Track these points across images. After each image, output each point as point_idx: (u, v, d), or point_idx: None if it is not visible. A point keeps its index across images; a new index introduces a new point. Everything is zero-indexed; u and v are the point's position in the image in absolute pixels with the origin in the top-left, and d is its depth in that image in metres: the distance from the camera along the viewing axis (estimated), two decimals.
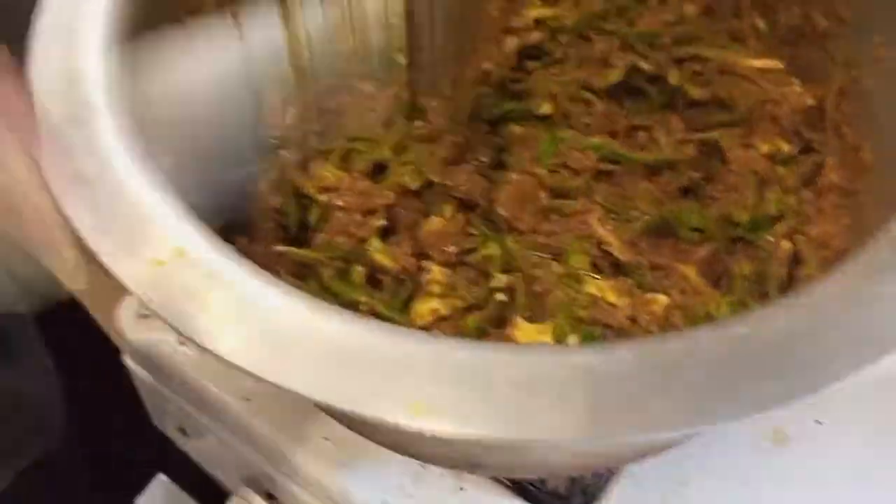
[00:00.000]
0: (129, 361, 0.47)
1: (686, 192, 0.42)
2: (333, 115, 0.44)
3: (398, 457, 0.38)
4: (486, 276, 0.38)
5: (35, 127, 0.25)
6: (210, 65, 0.38)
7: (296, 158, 0.40)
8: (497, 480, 0.38)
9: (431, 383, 0.21)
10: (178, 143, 0.34)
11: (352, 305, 0.35)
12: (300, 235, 0.39)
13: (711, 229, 0.39)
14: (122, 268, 0.24)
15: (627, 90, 0.45)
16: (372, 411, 0.21)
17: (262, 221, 0.38)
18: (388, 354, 0.22)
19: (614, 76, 0.44)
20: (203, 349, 0.22)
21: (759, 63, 0.42)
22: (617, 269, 0.38)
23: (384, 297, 0.37)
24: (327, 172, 0.40)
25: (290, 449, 0.41)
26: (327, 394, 0.22)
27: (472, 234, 0.39)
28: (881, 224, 0.25)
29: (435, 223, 0.39)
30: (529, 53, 0.46)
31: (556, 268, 0.37)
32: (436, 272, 0.37)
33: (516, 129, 0.44)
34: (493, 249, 0.38)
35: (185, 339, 0.22)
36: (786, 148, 0.40)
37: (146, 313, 0.45)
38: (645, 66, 0.44)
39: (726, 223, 0.40)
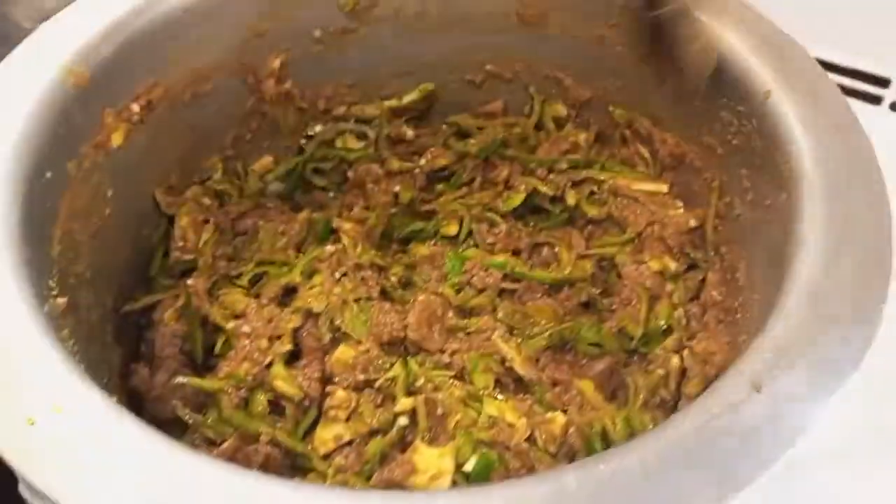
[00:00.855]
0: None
1: (585, 306, 0.44)
2: (245, 238, 0.45)
3: None
4: (390, 399, 0.38)
5: None
6: None
7: (203, 286, 0.40)
8: None
9: None
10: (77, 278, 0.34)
11: (252, 437, 0.35)
12: (205, 362, 0.39)
13: (608, 344, 0.41)
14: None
15: (531, 209, 0.48)
16: None
17: (165, 350, 0.38)
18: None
19: (517, 199, 0.47)
20: None
21: (646, 186, 0.46)
22: (519, 384, 0.40)
23: (286, 425, 0.37)
24: (235, 298, 0.41)
25: None
26: None
27: (379, 361, 0.40)
28: (734, 363, 0.27)
29: (344, 352, 0.40)
30: (438, 176, 0.49)
31: (458, 390, 0.38)
32: (340, 396, 0.37)
33: (423, 248, 0.45)
34: (397, 371, 0.39)
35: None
36: (672, 266, 0.43)
37: None
38: (545, 189, 0.47)
39: (622, 337, 0.42)
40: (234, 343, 0.38)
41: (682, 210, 0.44)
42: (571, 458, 0.36)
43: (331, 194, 0.49)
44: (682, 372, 0.39)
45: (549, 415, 0.37)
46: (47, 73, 0.35)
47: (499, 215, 0.46)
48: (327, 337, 0.40)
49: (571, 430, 0.37)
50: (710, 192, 0.42)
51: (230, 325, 0.39)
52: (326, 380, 0.39)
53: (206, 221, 0.44)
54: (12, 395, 0.24)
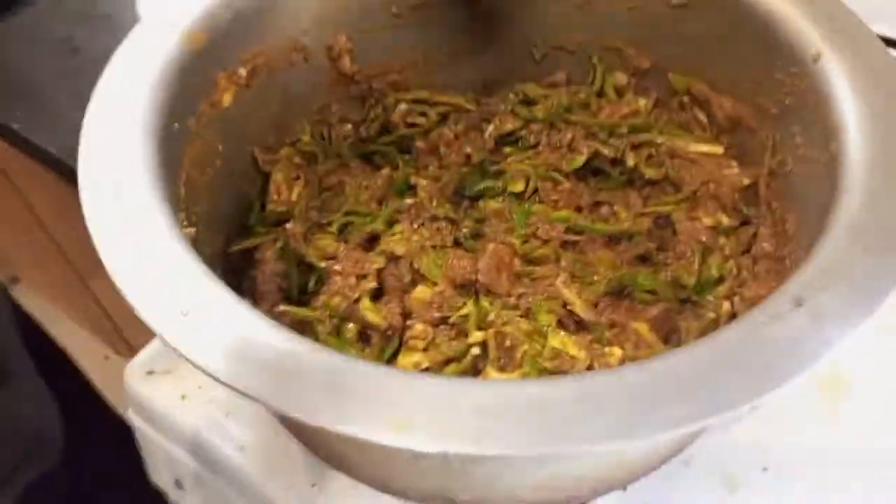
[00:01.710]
0: (133, 417, 0.52)
1: (642, 259, 0.47)
2: (333, 192, 0.50)
3: (383, 498, 0.41)
4: (464, 333, 0.43)
5: None
6: None
7: (299, 230, 0.45)
8: None
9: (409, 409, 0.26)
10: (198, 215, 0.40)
11: None
12: (300, 298, 0.45)
13: (663, 291, 0.45)
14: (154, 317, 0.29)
15: (593, 171, 0.52)
16: (360, 432, 0.26)
17: (265, 285, 0.44)
18: (373, 386, 0.27)
19: (579, 160, 0.51)
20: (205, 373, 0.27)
21: (702, 148, 0.49)
22: (579, 326, 0.43)
23: (373, 351, 0.42)
24: (326, 242, 0.46)
25: (281, 496, 0.44)
26: (320, 416, 0.26)
27: (453, 300, 0.44)
28: (784, 283, 0.31)
29: (421, 292, 0.44)
30: (505, 140, 0.53)
31: (525, 325, 0.42)
32: (419, 329, 0.42)
33: (493, 203, 0.50)
34: (469, 309, 0.43)
35: (195, 366, 0.26)
36: (726, 221, 0.46)
37: (152, 369, 0.50)
38: (606, 151, 0.51)
39: (676, 286, 0.45)
40: (326, 279, 0.43)
41: (736, 170, 0.47)
42: None
43: (406, 157, 0.53)
44: (733, 316, 0.43)
45: (608, 349, 0.41)
46: (172, 37, 0.40)
47: (562, 175, 0.50)
48: (407, 278, 0.44)
49: (627, 363, 0.40)
50: (763, 151, 0.45)
51: (323, 263, 0.44)
52: (406, 316, 0.44)
53: (298, 178, 0.49)
54: (169, 294, 0.30)
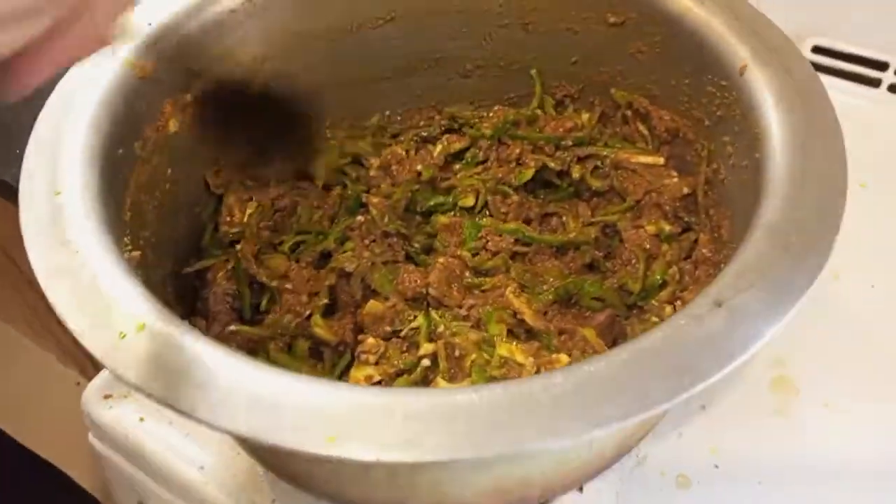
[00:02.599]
0: (93, 441, 0.52)
1: (589, 267, 0.49)
2: (285, 213, 0.51)
3: None
4: (415, 345, 0.43)
5: None
6: None
7: (251, 250, 0.46)
8: None
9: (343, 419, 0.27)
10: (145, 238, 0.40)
11: None
12: (252, 317, 0.45)
13: (609, 298, 0.46)
14: (92, 341, 0.30)
15: (543, 183, 0.53)
16: (296, 444, 0.27)
17: (218, 306, 0.44)
18: (310, 400, 0.28)
19: (528, 174, 0.52)
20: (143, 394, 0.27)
21: (644, 159, 0.50)
22: (529, 334, 0.45)
23: (325, 366, 0.42)
24: (278, 262, 0.47)
25: None
26: (262, 433, 0.27)
27: (404, 314, 0.45)
28: (708, 284, 0.32)
29: (373, 306, 0.45)
30: (454, 156, 0.54)
31: (473, 335, 0.43)
32: (370, 343, 0.43)
33: (443, 219, 0.51)
34: (420, 322, 0.44)
35: (142, 393, 0.27)
36: (668, 228, 0.48)
37: (109, 393, 0.50)
38: (552, 164, 0.52)
39: (622, 292, 0.46)
40: (278, 298, 0.44)
41: (676, 179, 0.49)
42: None
43: (355, 175, 0.54)
44: None
45: (555, 356, 0.42)
46: (116, 64, 0.41)
47: (511, 189, 0.52)
48: (359, 294, 0.45)
49: None
50: (700, 161, 0.47)
51: (274, 282, 0.45)
52: (358, 330, 0.44)
53: (250, 199, 0.50)
54: (107, 317, 0.30)
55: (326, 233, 0.49)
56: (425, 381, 0.42)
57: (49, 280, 0.31)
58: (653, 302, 0.45)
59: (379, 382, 0.42)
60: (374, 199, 0.51)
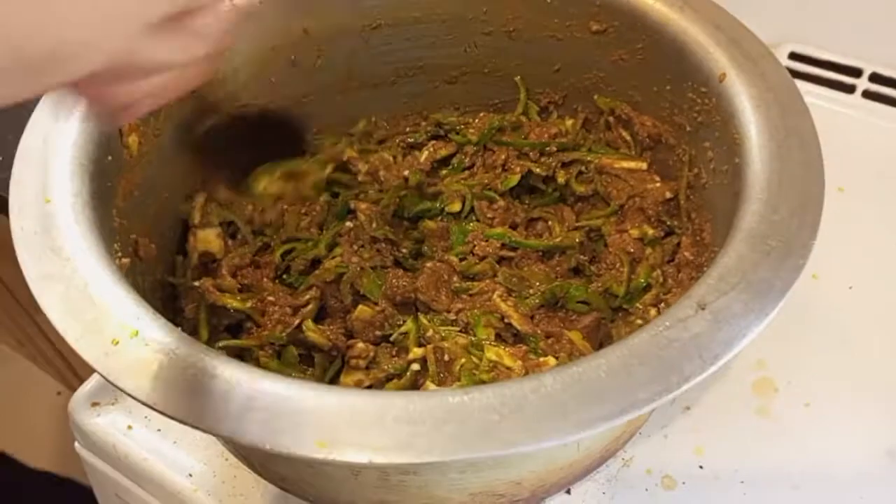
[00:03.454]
0: (80, 450, 0.51)
1: (575, 271, 0.49)
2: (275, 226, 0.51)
3: None
4: (405, 350, 0.44)
5: None
6: None
7: (210, 284, 0.45)
8: None
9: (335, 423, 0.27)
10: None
11: None
12: (238, 331, 0.45)
13: (595, 301, 0.47)
14: (85, 348, 0.30)
15: (528, 189, 0.54)
16: (290, 448, 0.27)
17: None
18: (301, 404, 0.28)
19: (513, 180, 0.53)
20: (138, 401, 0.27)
21: (627, 164, 0.51)
22: (517, 338, 0.45)
23: (315, 372, 0.43)
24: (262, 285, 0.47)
25: None
26: (254, 437, 0.27)
27: (393, 319, 0.46)
28: (689, 287, 0.33)
29: (362, 311, 0.45)
30: (441, 163, 0.55)
31: (462, 339, 0.43)
32: (360, 347, 0.43)
33: (431, 224, 0.51)
34: (409, 327, 0.44)
35: (127, 395, 0.27)
36: (651, 232, 0.49)
37: (97, 401, 0.50)
38: (537, 170, 0.53)
39: (607, 296, 0.47)
40: (259, 319, 0.44)
41: (659, 184, 0.50)
42: None
43: (345, 180, 0.54)
44: None
45: (542, 359, 0.43)
46: None
47: (497, 194, 0.52)
48: (348, 299, 0.46)
49: None
50: (681, 165, 0.48)
51: (249, 304, 0.44)
52: (348, 335, 0.45)
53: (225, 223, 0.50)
54: (99, 324, 0.30)
55: (316, 240, 0.49)
56: (415, 386, 0.42)
57: (41, 287, 0.31)
58: (637, 305, 0.46)
59: (369, 387, 0.42)
60: (362, 205, 0.51)
